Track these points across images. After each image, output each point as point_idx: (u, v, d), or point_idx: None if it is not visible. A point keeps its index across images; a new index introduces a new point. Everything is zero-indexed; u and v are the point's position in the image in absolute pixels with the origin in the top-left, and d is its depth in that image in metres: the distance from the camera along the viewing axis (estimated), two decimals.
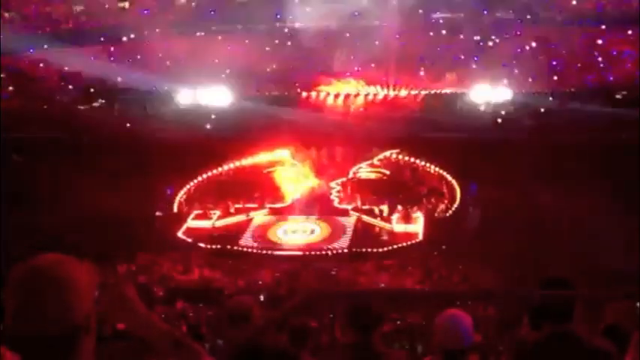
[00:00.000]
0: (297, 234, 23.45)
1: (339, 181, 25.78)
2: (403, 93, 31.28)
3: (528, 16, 31.87)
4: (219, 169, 26.87)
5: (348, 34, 31.55)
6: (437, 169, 26.17)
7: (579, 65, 30.66)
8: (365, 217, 23.82)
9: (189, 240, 22.95)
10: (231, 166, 27.08)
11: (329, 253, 21.88)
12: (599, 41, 30.73)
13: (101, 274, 1.96)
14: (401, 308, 13.60)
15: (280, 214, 24.63)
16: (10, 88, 31.22)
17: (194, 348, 2.01)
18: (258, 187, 25.65)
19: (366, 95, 31.74)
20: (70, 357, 1.81)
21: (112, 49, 33.71)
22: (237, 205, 24.69)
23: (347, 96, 31.83)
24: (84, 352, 1.84)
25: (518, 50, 31.56)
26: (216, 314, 10.99)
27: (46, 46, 32.21)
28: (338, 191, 25.24)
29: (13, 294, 1.78)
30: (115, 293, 1.99)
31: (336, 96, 31.86)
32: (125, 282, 2.03)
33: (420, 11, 31.75)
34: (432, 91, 30.98)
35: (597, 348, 3.37)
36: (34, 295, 1.77)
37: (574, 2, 32.46)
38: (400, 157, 27.19)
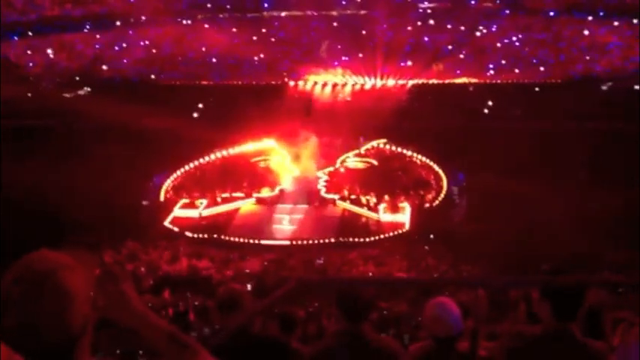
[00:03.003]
0: (284, 223, 23.45)
1: (327, 170, 25.80)
2: (390, 83, 31.25)
3: (515, 7, 31.90)
4: (206, 158, 26.81)
5: (335, 24, 31.46)
6: (424, 158, 26.25)
7: (565, 56, 30.76)
8: (352, 207, 23.85)
9: (176, 229, 22.91)
10: (219, 155, 27.03)
11: (316, 242, 21.90)
12: (586, 32, 30.83)
13: (96, 265, 1.93)
14: (388, 297, 13.66)
15: (267, 203, 24.61)
16: None
17: (191, 345, 1.98)
18: (245, 177, 25.62)
19: (354, 85, 31.70)
20: None
21: (98, 36, 33.43)
22: (224, 195, 24.65)
23: (334, 85, 31.76)
24: (81, 355, 1.80)
25: (505, 40, 31.63)
26: (205, 303, 10.99)
27: (31, 33, 31.93)
28: (325, 181, 25.25)
29: (4, 305, 1.71)
30: (112, 288, 1.95)
31: (324, 85, 31.79)
32: (123, 276, 1.99)
33: (408, 0, 31.71)
34: (420, 81, 30.95)
35: (593, 348, 3.39)
36: (27, 307, 1.71)
37: None
38: (387, 146, 27.25)
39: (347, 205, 23.97)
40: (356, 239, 21.95)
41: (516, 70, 30.41)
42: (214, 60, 31.48)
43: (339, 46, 31.59)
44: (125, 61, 32.42)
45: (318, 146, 26.57)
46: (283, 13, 32.73)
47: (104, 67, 31.78)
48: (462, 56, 31.27)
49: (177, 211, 23.93)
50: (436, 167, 25.59)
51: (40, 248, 1.85)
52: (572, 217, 18.92)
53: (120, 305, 1.94)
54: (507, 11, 31.59)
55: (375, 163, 26.61)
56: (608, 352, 3.54)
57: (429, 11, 32.41)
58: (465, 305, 4.45)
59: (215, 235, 22.46)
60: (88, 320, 1.82)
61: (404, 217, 23.01)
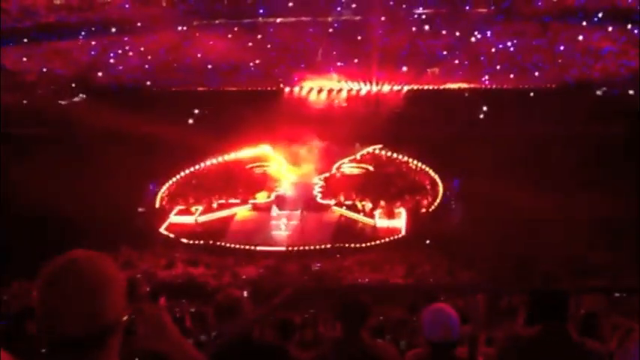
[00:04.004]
0: (280, 229, 23.42)
1: (322, 176, 25.79)
2: (386, 89, 31.32)
3: (509, 13, 32.04)
4: (202, 164, 26.79)
5: (330, 30, 31.57)
6: (419, 164, 26.27)
7: (560, 61, 30.88)
8: (348, 213, 23.85)
9: (172, 236, 22.87)
10: (214, 161, 27.02)
11: (312, 248, 21.88)
12: (580, 37, 30.97)
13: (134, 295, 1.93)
14: (384, 303, 13.64)
15: (263, 209, 24.58)
16: None
17: None
18: (241, 183, 25.61)
19: (349, 91, 31.74)
20: (98, 357, 1.75)
21: (93, 43, 33.45)
22: (220, 201, 24.63)
23: (330, 91, 31.80)
24: (111, 353, 1.79)
25: (500, 46, 31.75)
26: (201, 309, 10.96)
27: (26, 40, 31.93)
28: (321, 186, 25.24)
29: (43, 293, 1.72)
30: (152, 319, 1.94)
31: (319, 91, 31.83)
32: (161, 308, 2.01)
33: (403, 6, 31.84)
34: (415, 87, 31.01)
35: (588, 348, 3.41)
36: (60, 291, 1.71)
37: None
38: (383, 152, 27.27)
39: (343, 211, 23.98)
40: (352, 245, 21.93)
41: (511, 76, 30.51)
42: (210, 66, 31.49)
43: (335, 52, 31.67)
44: (120, 67, 32.43)
45: (314, 152, 26.60)
46: (278, 20, 32.83)
47: (99, 74, 31.78)
48: (456, 62, 31.38)
49: (173, 218, 23.90)
50: (432, 172, 25.61)
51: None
52: (567, 222, 18.96)
53: (158, 333, 1.94)
54: (502, 17, 31.73)
55: (371, 168, 26.62)
56: (604, 353, 3.56)
57: (423, 17, 32.55)
58: (462, 311, 4.46)
59: (211, 242, 22.43)
60: (121, 317, 1.80)
61: (400, 222, 23.01)
